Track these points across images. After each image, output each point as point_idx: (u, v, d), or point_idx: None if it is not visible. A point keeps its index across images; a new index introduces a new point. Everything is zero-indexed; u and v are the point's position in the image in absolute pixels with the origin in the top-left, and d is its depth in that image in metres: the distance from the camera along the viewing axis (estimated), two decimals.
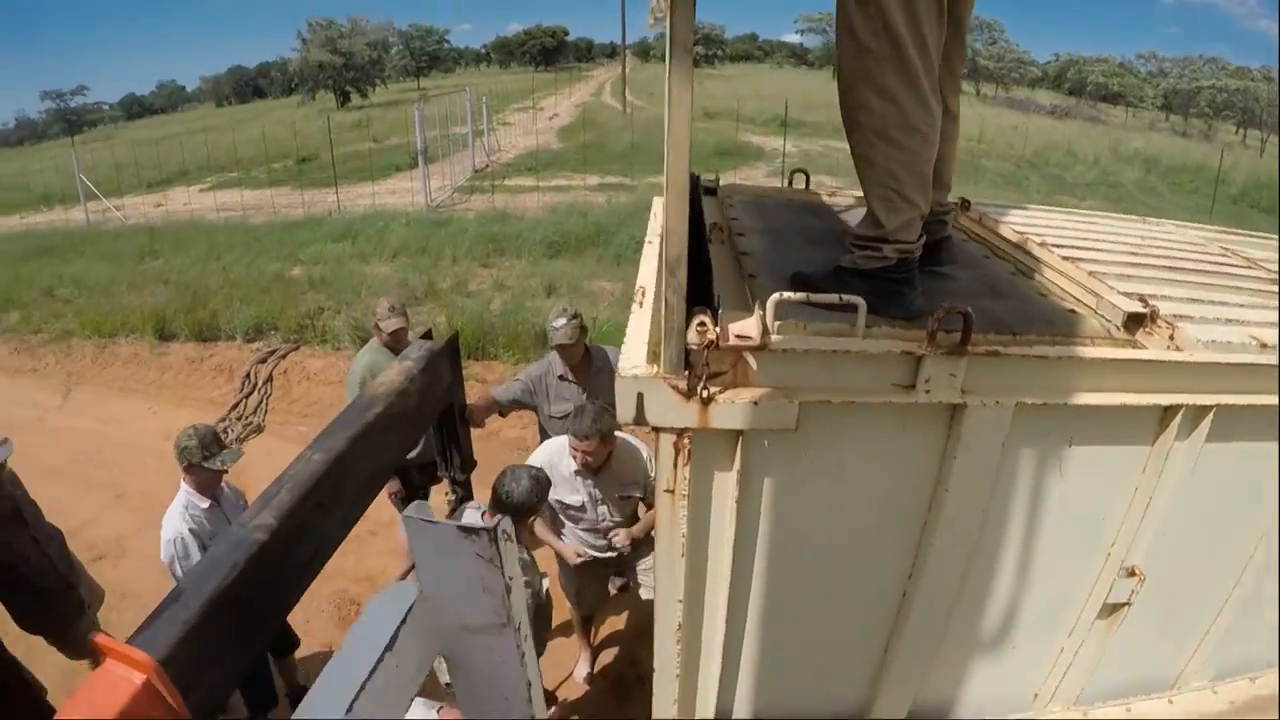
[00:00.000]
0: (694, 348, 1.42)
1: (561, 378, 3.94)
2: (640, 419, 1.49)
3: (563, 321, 3.79)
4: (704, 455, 1.58)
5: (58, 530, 3.72)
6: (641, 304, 1.85)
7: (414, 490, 4.41)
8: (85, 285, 10.68)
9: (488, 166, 19.39)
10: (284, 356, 7.95)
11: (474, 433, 3.47)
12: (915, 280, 1.80)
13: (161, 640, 1.65)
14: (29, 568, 3.39)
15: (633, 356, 1.54)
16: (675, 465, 1.57)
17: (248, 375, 7.68)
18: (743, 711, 2.02)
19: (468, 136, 19.86)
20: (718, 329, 1.42)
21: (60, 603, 3.59)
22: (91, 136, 59.46)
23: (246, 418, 7.10)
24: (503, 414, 4.04)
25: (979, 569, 1.88)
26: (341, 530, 2.36)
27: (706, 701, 1.98)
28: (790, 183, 3.14)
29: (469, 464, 3.42)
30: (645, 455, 3.54)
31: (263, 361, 7.85)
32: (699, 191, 2.95)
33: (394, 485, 4.41)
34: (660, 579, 1.75)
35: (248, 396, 7.39)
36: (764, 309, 1.48)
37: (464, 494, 3.45)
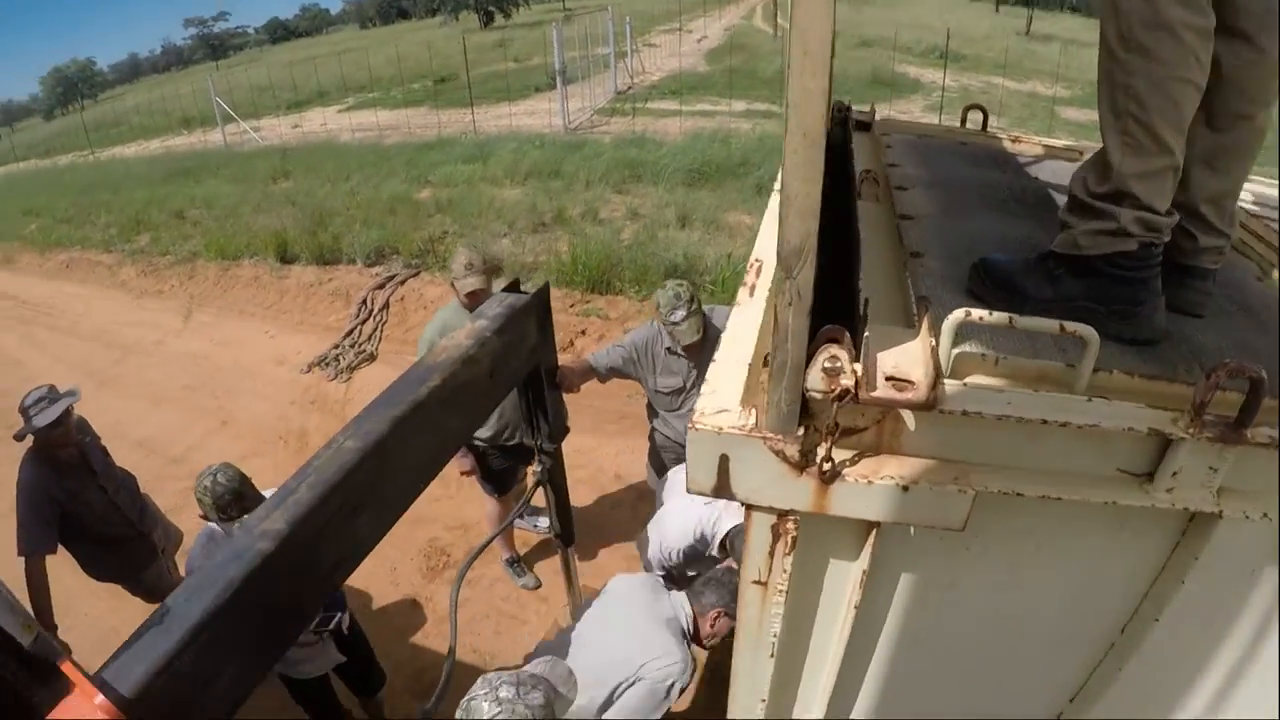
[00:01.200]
0: (816, 396, 0.90)
1: (670, 350, 3.46)
2: (723, 490, 1.00)
3: (682, 315, 3.19)
4: (816, 548, 1.08)
5: (129, 476, 3.68)
6: (753, 290, 1.32)
7: (493, 473, 3.98)
8: (214, 207, 10.97)
9: (629, 89, 18.65)
10: (402, 283, 7.86)
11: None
12: (1158, 283, 1.18)
13: (135, 676, 1.39)
14: (94, 516, 3.33)
15: (722, 390, 1.04)
16: (771, 554, 1.07)
17: (364, 301, 7.64)
18: None
19: (609, 58, 19.15)
20: (857, 368, 0.89)
21: (129, 550, 3.52)
22: (235, 61, 62.59)
23: (360, 345, 7.08)
24: (601, 381, 3.62)
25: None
26: (378, 530, 2.02)
27: None
28: (963, 121, 2.45)
29: (560, 432, 3.00)
30: None
31: (380, 287, 7.78)
32: (847, 125, 2.33)
33: (466, 463, 3.90)
34: (740, 671, 1.28)
35: (363, 323, 7.35)
36: (935, 336, 0.93)
37: (553, 463, 3.06)
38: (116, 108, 33.85)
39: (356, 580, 4.38)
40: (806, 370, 0.88)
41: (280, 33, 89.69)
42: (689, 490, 1.02)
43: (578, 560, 3.78)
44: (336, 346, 7.05)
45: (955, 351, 1.01)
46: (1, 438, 3.78)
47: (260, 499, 2.76)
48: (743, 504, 1.01)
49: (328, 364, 6.87)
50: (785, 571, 1.08)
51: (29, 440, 3.16)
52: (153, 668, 1.40)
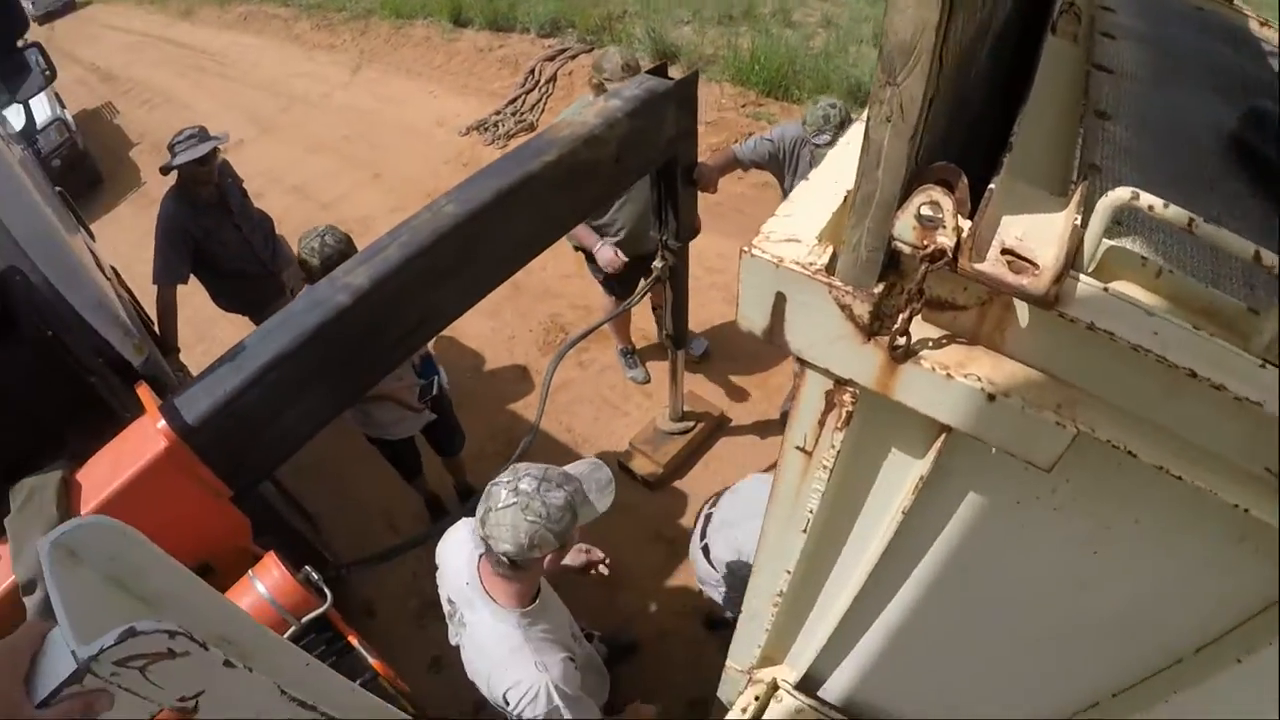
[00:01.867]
0: (904, 249, 0.69)
1: (812, 164, 3.13)
2: (774, 335, 0.83)
3: (827, 140, 2.97)
4: (873, 431, 0.90)
5: (266, 218, 3.80)
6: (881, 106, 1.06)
7: (608, 279, 3.69)
8: None
9: None
10: (573, 57, 7.52)
11: None
12: None
13: (200, 407, 1.48)
14: (228, 252, 3.50)
15: (800, 215, 0.83)
16: (821, 424, 0.91)
17: (532, 71, 7.36)
18: (829, 696, 1.51)
19: None
20: (965, 225, 0.66)
21: (258, 286, 3.70)
22: None
23: (521, 114, 6.95)
24: (744, 170, 3.42)
25: None
26: (465, 298, 1.98)
27: (792, 669, 1.51)
28: None
29: (688, 230, 2.85)
30: None
31: (550, 59, 7.48)
32: None
33: (607, 252, 3.41)
34: (768, 538, 1.18)
35: (528, 93, 7.17)
36: (1084, 215, 0.68)
37: (676, 262, 2.93)
38: None
39: (471, 341, 4.59)
40: (897, 213, 0.67)
41: None
42: (740, 324, 0.86)
43: (689, 367, 3.74)
44: (498, 113, 6.97)
45: (1107, 244, 0.75)
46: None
47: None
48: (795, 356, 0.84)
49: (486, 129, 6.84)
50: (834, 447, 0.92)
51: (174, 177, 3.31)
52: (217, 401, 1.48)
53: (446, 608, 1.83)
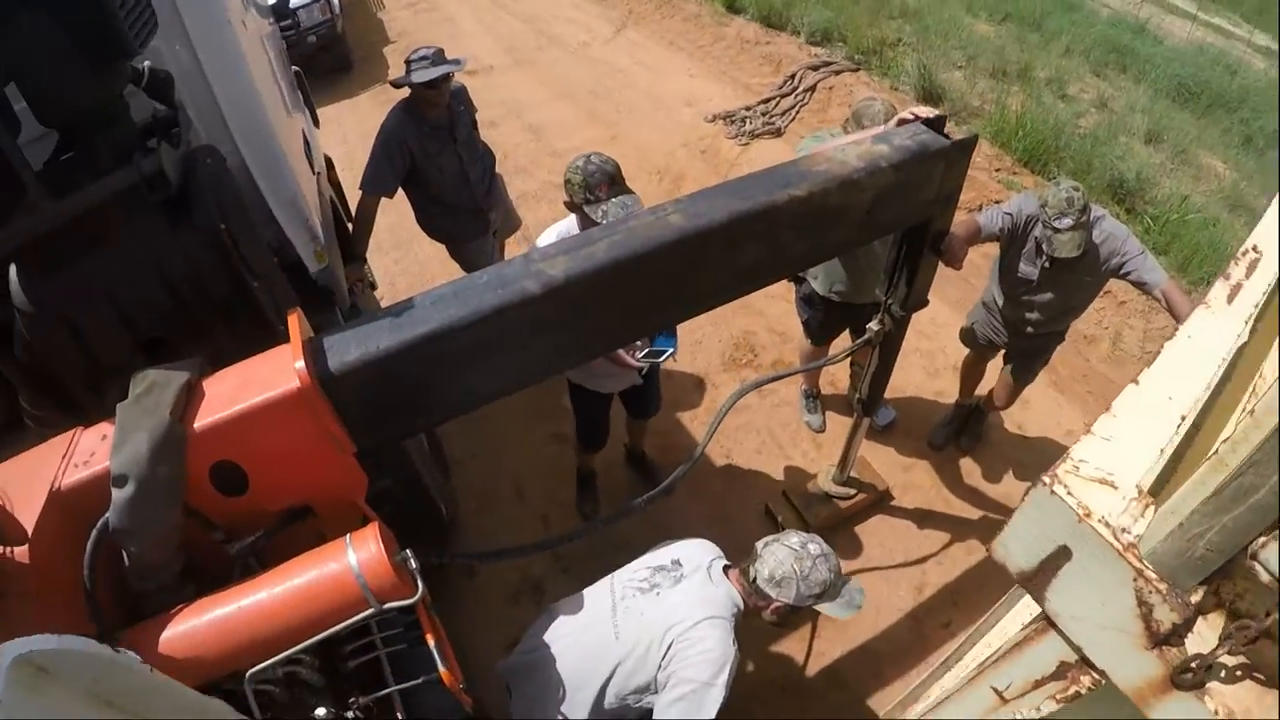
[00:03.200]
0: (1265, 577, 0.48)
1: (1040, 244, 2.92)
2: (1033, 584, 0.64)
3: (1069, 224, 2.75)
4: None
5: (489, 152, 3.74)
6: (1234, 294, 0.81)
7: (808, 324, 3.56)
8: None
9: None
10: (837, 73, 7.19)
11: None
12: None
13: (348, 358, 1.40)
14: (442, 179, 3.46)
15: (1123, 443, 0.63)
16: (1038, 685, 0.70)
17: (793, 76, 7.09)
18: None
19: None
20: None
21: (465, 219, 3.68)
22: None
23: (771, 116, 6.74)
24: (980, 241, 3.09)
25: None
26: (662, 318, 1.85)
27: None
28: None
29: (918, 301, 2.58)
30: None
31: (815, 68, 7.19)
32: None
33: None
34: None
35: (784, 96, 6.92)
36: None
37: (894, 330, 2.67)
38: None
39: None
40: (1269, 534, 0.46)
41: None
42: (993, 552, 0.68)
43: (867, 434, 3.48)
44: (749, 108, 6.81)
45: None
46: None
47: (630, 192, 2.55)
48: (1046, 616, 0.64)
49: (733, 121, 6.70)
50: (1038, 710, 0.72)
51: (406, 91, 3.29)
52: (367, 356, 1.39)
53: (647, 575, 2.14)
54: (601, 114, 7.05)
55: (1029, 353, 3.43)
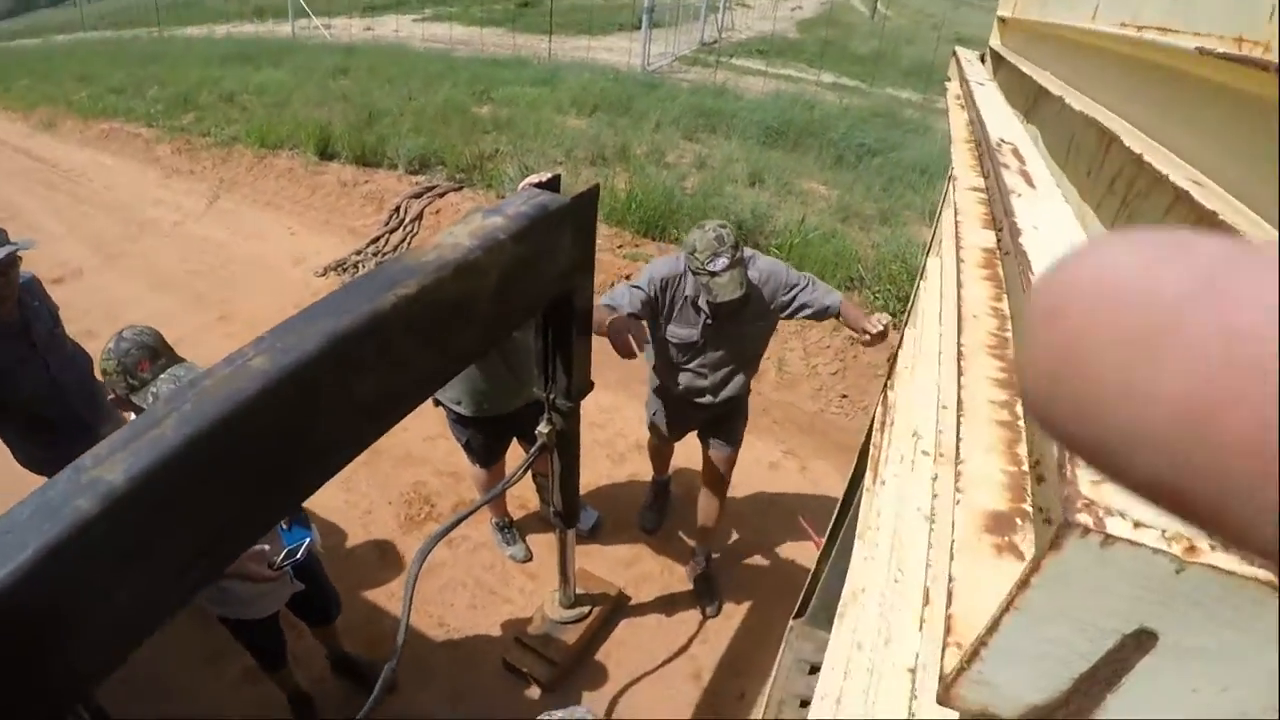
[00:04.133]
0: None
1: (692, 301, 2.76)
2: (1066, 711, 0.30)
3: (724, 264, 2.52)
4: None
5: (84, 355, 2.99)
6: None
7: (472, 448, 3.21)
8: (266, 94, 10.35)
9: (716, 43, 17.69)
10: (441, 195, 7.18)
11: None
12: None
13: None
14: (28, 393, 2.71)
15: None
16: None
17: (397, 209, 6.96)
18: None
19: (701, 9, 18.24)
20: None
21: (70, 440, 2.61)
22: None
23: (384, 254, 6.43)
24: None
25: None
26: (283, 502, 1.34)
27: None
28: None
29: (581, 388, 2.31)
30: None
31: (417, 196, 7.10)
32: None
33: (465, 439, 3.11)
34: None
35: (392, 231, 6.69)
36: None
37: (566, 426, 2.37)
38: None
39: (320, 515, 3.80)
40: None
41: None
42: (973, 705, 0.34)
43: (578, 543, 3.16)
44: (359, 253, 6.44)
45: None
46: None
47: (181, 361, 2.22)
48: None
49: (346, 269, 6.30)
50: None
51: None
52: None
53: None
54: (206, 295, 6.21)
55: (723, 418, 3.14)
